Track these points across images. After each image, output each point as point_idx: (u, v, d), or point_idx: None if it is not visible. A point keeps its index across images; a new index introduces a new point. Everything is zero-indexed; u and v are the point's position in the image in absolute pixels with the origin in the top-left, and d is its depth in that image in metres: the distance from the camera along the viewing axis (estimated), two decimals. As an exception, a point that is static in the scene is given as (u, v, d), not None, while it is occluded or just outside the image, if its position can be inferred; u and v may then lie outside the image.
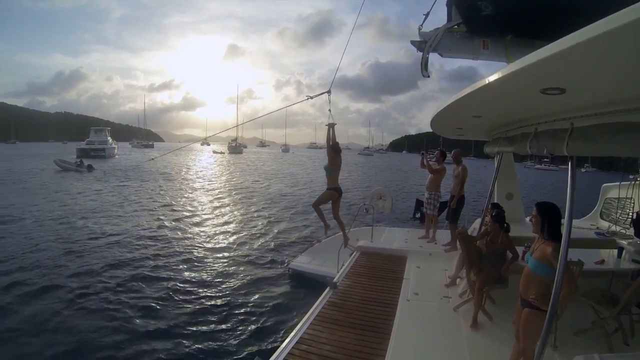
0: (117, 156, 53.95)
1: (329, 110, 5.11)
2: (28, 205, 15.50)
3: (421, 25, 4.66)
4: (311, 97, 5.18)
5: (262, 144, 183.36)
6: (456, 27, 4.63)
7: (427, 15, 4.66)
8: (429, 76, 4.80)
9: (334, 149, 5.19)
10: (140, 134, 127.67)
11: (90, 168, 31.30)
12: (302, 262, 8.20)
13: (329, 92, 5.03)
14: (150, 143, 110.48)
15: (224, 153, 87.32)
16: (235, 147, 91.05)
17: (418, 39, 4.70)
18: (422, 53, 4.64)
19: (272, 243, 10.98)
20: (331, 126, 5.19)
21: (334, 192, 5.32)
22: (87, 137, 55.04)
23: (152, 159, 18.00)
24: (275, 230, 12.55)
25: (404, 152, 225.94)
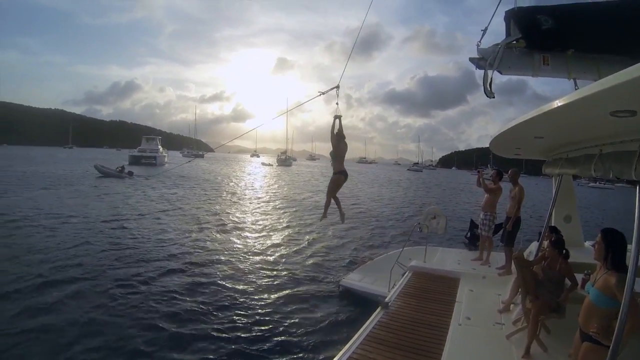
0: (167, 164, 56.38)
1: (337, 103, 5.33)
2: (81, 206, 16.66)
3: (479, 41, 4.60)
4: (323, 93, 5.43)
5: (312, 157, 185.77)
6: (515, 42, 4.53)
7: (485, 30, 4.61)
8: (494, 96, 4.60)
9: (338, 136, 5.34)
10: (191, 143, 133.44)
11: (131, 174, 33.10)
12: (353, 280, 8.24)
13: (337, 87, 5.26)
14: (201, 153, 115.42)
15: (272, 165, 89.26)
16: (285, 160, 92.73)
17: (476, 56, 4.61)
18: (482, 71, 4.52)
19: (322, 258, 11.04)
20: (337, 118, 5.38)
21: (340, 176, 5.43)
22: (139, 145, 58.27)
23: (189, 161, 18.78)
24: (326, 246, 12.60)
25: (453, 168, 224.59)
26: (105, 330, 6.15)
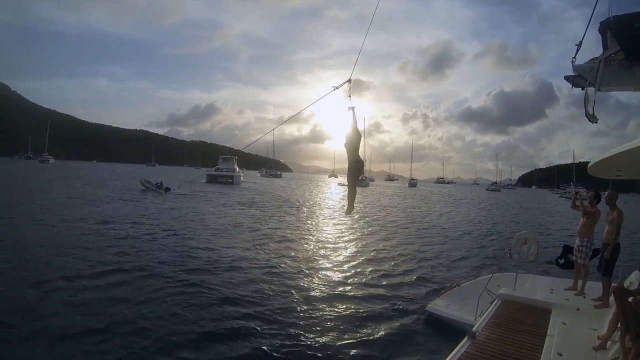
0: (243, 183, 59.44)
1: (349, 96, 5.51)
2: (153, 217, 18.37)
3: (574, 57, 4.48)
4: (336, 88, 5.55)
5: (390, 178, 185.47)
6: (612, 55, 4.33)
7: (579, 44, 4.47)
8: (596, 121, 4.38)
9: (352, 129, 5.45)
10: (269, 163, 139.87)
11: (167, 190, 35.71)
12: (440, 306, 8.12)
13: (349, 80, 5.47)
14: (278, 173, 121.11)
15: (345, 185, 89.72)
16: (362, 180, 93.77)
17: (571, 74, 4.51)
18: (581, 89, 4.38)
19: (406, 281, 10.96)
20: (351, 109, 5.54)
21: (356, 165, 5.49)
22: (216, 164, 62.37)
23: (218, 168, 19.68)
24: (409, 268, 12.48)
25: (533, 187, 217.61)
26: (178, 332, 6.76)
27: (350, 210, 5.82)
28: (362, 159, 5.74)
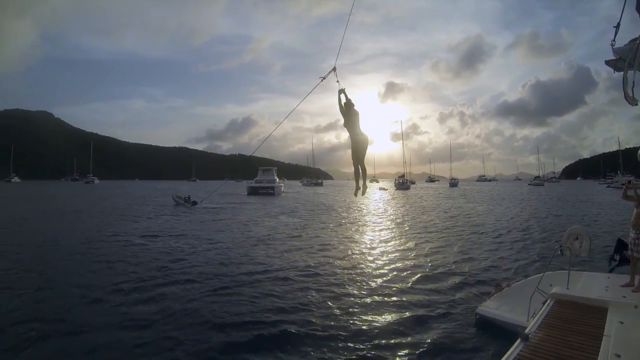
0: (283, 194, 60.18)
1: (337, 82, 6.13)
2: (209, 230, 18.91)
3: (613, 40, 4.34)
4: (323, 78, 6.25)
5: (431, 179, 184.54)
6: None
7: (617, 26, 4.27)
8: (637, 103, 4.28)
9: (347, 106, 6.01)
10: (309, 172, 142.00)
11: (194, 203, 36.54)
12: (491, 308, 7.98)
13: (334, 68, 6.12)
14: (320, 181, 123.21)
15: (386, 189, 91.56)
16: (402, 184, 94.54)
17: (612, 57, 4.45)
18: (621, 74, 4.24)
19: (453, 284, 10.80)
20: (341, 91, 6.08)
21: (358, 139, 5.90)
22: (256, 177, 63.66)
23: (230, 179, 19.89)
24: (456, 269, 12.38)
25: (578, 178, 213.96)
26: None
27: (359, 191, 6.18)
28: (364, 133, 6.05)
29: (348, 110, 6.10)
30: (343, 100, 6.12)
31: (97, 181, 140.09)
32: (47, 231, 20.42)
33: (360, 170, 6.17)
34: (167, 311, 8.38)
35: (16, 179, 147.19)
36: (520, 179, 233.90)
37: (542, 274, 7.85)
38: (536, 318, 6.19)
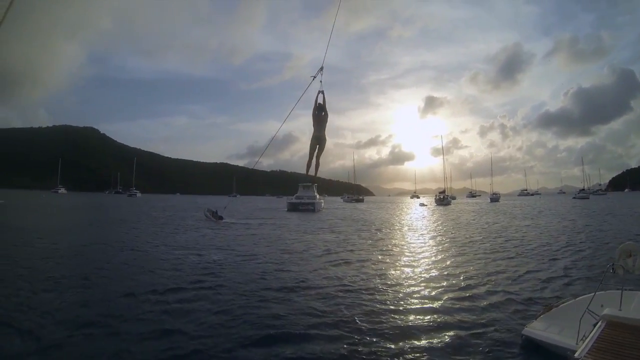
0: (323, 210, 60.65)
1: (320, 81, 6.97)
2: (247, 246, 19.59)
3: None
4: (314, 77, 7.00)
5: (472, 195, 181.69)
6: None
7: None
8: None
9: (319, 109, 6.89)
10: (350, 189, 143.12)
11: (219, 218, 37.66)
12: (538, 329, 7.71)
13: (322, 68, 6.88)
14: (361, 197, 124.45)
15: (426, 205, 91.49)
16: (442, 199, 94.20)
17: None
18: None
19: (497, 303, 10.46)
20: (320, 92, 6.93)
21: (319, 137, 6.93)
22: (296, 193, 64.66)
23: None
24: (500, 289, 11.92)
25: (626, 190, 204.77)
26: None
27: (308, 170, 7.36)
28: (326, 136, 7.13)
29: (320, 111, 7.00)
30: (320, 100, 6.96)
31: (139, 194, 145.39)
32: (92, 238, 21.90)
33: (315, 163, 7.28)
34: (201, 318, 8.81)
35: (63, 190, 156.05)
36: (564, 192, 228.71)
37: (592, 293, 7.49)
38: (587, 341, 5.94)
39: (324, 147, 7.22)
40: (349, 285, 12.01)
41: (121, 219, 39.02)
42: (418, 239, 24.58)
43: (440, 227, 33.18)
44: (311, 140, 7.14)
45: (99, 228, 29.08)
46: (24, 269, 13.33)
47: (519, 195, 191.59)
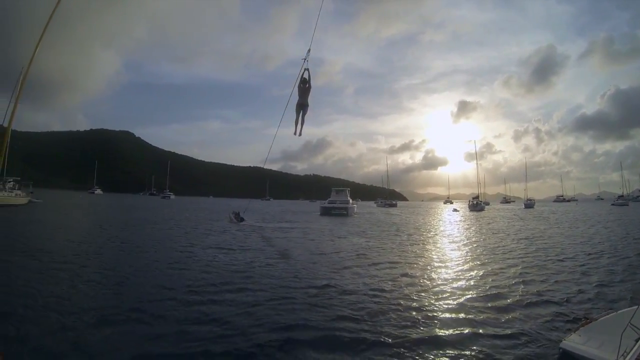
0: (356, 214, 60.93)
1: (307, 60, 9.90)
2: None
3: None
4: (305, 59, 9.84)
5: (506, 200, 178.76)
6: None
7: None
8: None
9: (303, 81, 9.88)
10: (383, 193, 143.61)
11: (241, 220, 39.04)
12: (576, 342, 7.45)
13: (309, 50, 9.87)
14: (394, 202, 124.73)
15: (458, 211, 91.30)
16: (476, 205, 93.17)
17: None
18: None
19: (533, 314, 10.10)
20: (306, 69, 9.86)
21: (301, 103, 10.03)
22: (329, 197, 65.29)
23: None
24: (535, 300, 11.49)
25: None
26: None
27: (295, 131, 10.33)
28: (309, 103, 10.14)
29: (304, 84, 9.81)
30: (305, 75, 9.84)
31: (173, 196, 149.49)
32: (128, 237, 23.22)
33: (300, 118, 10.20)
34: (230, 315, 9.28)
35: (99, 191, 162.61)
36: (602, 199, 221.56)
37: (635, 307, 6.97)
38: (628, 357, 5.63)
39: (307, 111, 10.13)
40: (377, 291, 12.01)
41: (154, 219, 40.79)
42: (449, 245, 24.54)
43: (473, 233, 32.84)
44: (296, 107, 9.96)
45: (132, 227, 30.58)
46: (60, 264, 14.30)
47: (555, 201, 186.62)
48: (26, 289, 10.62)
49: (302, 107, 9.94)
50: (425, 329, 8.83)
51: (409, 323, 9.10)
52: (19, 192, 53.52)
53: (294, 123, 10.17)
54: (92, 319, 8.56)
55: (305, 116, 10.25)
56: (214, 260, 16.39)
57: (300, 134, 10.46)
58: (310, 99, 10.16)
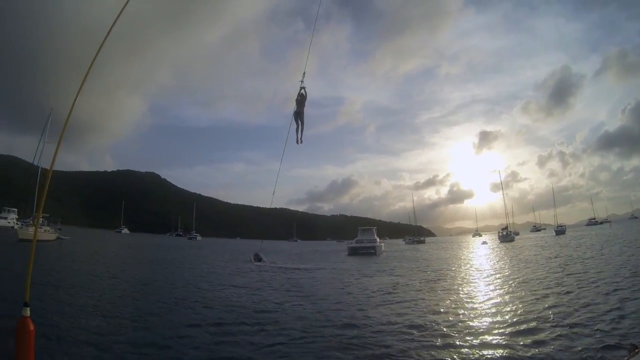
0: (384, 253, 60.65)
1: (302, 81, 11.71)
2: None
3: None
4: (302, 80, 11.70)
5: (536, 228, 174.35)
6: None
7: None
8: None
9: (301, 97, 11.75)
10: (411, 230, 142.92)
11: (259, 259, 40.10)
12: None
13: (304, 73, 11.76)
14: (422, 239, 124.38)
15: (487, 243, 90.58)
16: (506, 236, 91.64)
17: None
18: None
19: (580, 343, 9.72)
20: (303, 87, 11.65)
21: (297, 114, 11.90)
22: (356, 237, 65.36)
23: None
24: (580, 329, 11.06)
25: None
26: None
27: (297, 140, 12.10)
28: (304, 112, 11.96)
29: (302, 99, 11.72)
30: (302, 92, 11.65)
31: (199, 238, 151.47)
32: (153, 275, 24.12)
33: (300, 127, 11.99)
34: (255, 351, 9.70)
35: (125, 231, 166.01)
36: (636, 217, 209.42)
37: None
38: None
39: (303, 119, 11.93)
40: (406, 328, 11.91)
41: (180, 259, 42.07)
42: (483, 279, 24.23)
43: (504, 265, 32.49)
44: (294, 115, 11.85)
45: (160, 266, 31.65)
46: (89, 298, 15.16)
47: (587, 225, 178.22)
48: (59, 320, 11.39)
49: (299, 115, 11.93)
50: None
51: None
52: (47, 228, 55.64)
53: (295, 131, 12.06)
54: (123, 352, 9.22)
55: (304, 125, 12.08)
56: (238, 298, 17.07)
57: (301, 142, 12.27)
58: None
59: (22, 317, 4.19)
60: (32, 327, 4.22)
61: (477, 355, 9.24)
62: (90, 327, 11.06)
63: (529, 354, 9.18)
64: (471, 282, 23.13)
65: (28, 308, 4.24)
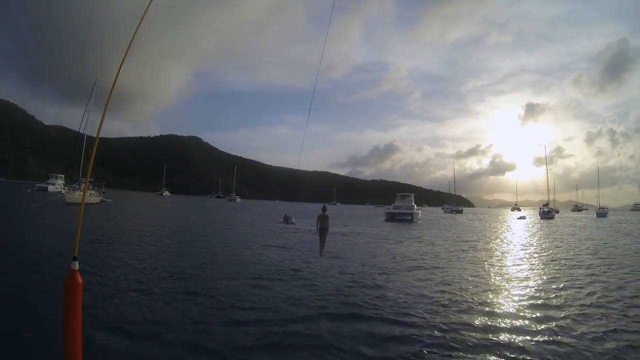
0: (421, 220, 61.12)
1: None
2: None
3: None
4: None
5: (577, 208, 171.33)
6: None
7: None
8: None
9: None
10: (451, 199, 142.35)
11: (288, 220, 41.99)
12: None
13: (317, 73, 14.16)
14: (460, 208, 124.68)
15: (525, 218, 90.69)
16: (546, 213, 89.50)
17: None
18: None
19: (612, 341, 8.47)
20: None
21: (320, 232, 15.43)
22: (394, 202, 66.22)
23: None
24: (616, 327, 9.43)
25: None
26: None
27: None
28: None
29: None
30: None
31: (239, 200, 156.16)
32: (192, 235, 26.88)
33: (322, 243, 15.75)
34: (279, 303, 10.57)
35: (167, 193, 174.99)
36: None
37: None
38: None
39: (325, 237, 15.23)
40: (433, 300, 11.60)
41: (220, 219, 45.31)
42: (521, 255, 23.73)
43: (543, 244, 31.56)
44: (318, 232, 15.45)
45: (200, 226, 33.86)
46: (136, 260, 16.22)
47: (632, 210, 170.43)
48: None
49: (322, 231, 15.84)
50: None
51: (463, 340, 8.23)
52: (92, 192, 59.18)
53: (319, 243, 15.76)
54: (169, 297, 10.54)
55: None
56: (267, 257, 18.35)
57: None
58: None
59: (72, 270, 4.49)
60: (80, 280, 4.54)
61: (479, 331, 8.81)
62: (133, 278, 12.39)
63: (535, 330, 8.95)
64: (506, 259, 22.54)
65: (77, 262, 4.53)
